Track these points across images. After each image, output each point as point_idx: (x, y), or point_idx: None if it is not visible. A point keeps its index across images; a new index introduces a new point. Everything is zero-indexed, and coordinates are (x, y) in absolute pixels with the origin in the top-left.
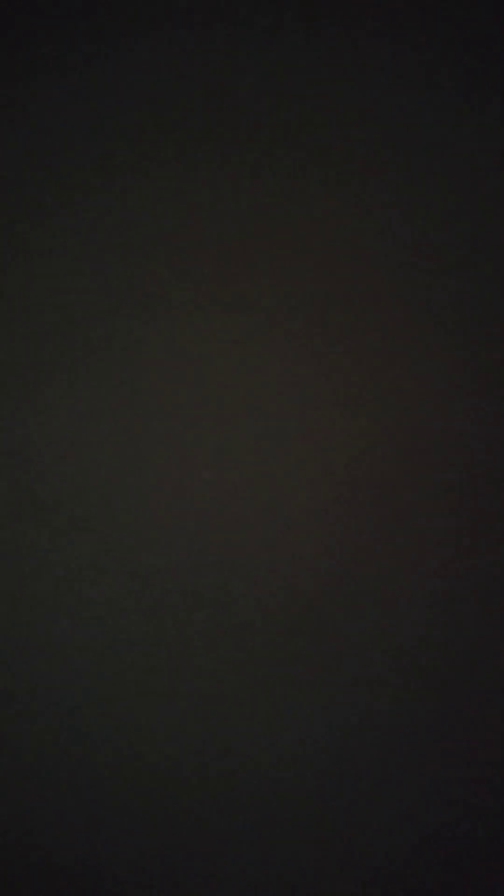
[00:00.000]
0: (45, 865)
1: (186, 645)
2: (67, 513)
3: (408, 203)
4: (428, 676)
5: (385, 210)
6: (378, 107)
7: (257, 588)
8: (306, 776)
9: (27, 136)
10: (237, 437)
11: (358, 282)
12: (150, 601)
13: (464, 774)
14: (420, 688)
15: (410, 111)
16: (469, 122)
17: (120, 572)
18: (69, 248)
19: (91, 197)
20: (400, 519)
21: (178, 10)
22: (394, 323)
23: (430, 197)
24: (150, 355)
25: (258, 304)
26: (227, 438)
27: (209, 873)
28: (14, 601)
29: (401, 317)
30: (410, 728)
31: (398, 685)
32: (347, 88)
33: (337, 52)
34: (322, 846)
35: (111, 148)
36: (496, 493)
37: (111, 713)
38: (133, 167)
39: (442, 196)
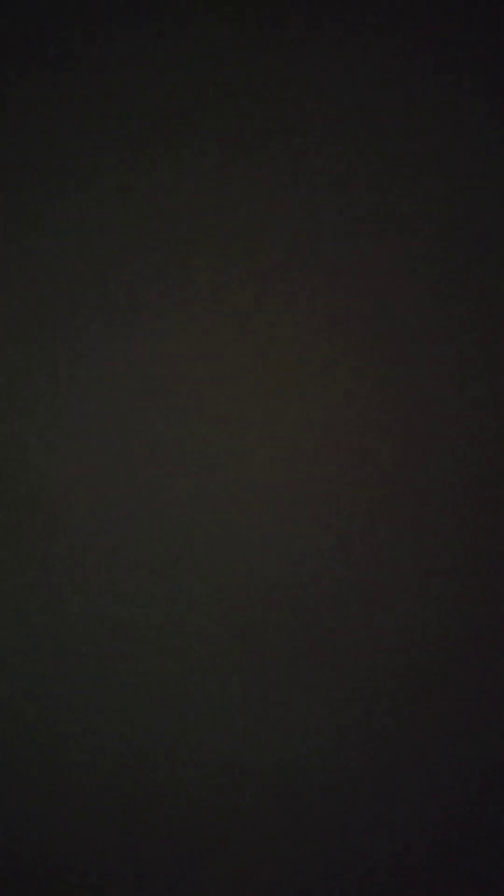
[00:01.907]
0: (44, 865)
1: (186, 644)
2: (67, 512)
3: (409, 205)
4: (429, 674)
5: (386, 213)
6: (381, 109)
7: (257, 588)
8: (307, 775)
9: (28, 139)
10: (237, 439)
11: (359, 283)
12: (151, 600)
13: (465, 772)
14: (421, 685)
15: (414, 114)
16: (471, 127)
17: (120, 571)
18: (69, 253)
19: (91, 199)
20: (402, 517)
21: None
22: (394, 324)
23: (431, 199)
24: (151, 356)
25: (258, 307)
26: (227, 440)
27: (209, 872)
28: (14, 600)
29: (402, 318)
30: (412, 725)
31: (400, 683)
32: (351, 92)
33: (342, 57)
34: (323, 845)
35: (112, 149)
36: (496, 492)
37: (111, 713)
38: (133, 168)
39: (444, 199)
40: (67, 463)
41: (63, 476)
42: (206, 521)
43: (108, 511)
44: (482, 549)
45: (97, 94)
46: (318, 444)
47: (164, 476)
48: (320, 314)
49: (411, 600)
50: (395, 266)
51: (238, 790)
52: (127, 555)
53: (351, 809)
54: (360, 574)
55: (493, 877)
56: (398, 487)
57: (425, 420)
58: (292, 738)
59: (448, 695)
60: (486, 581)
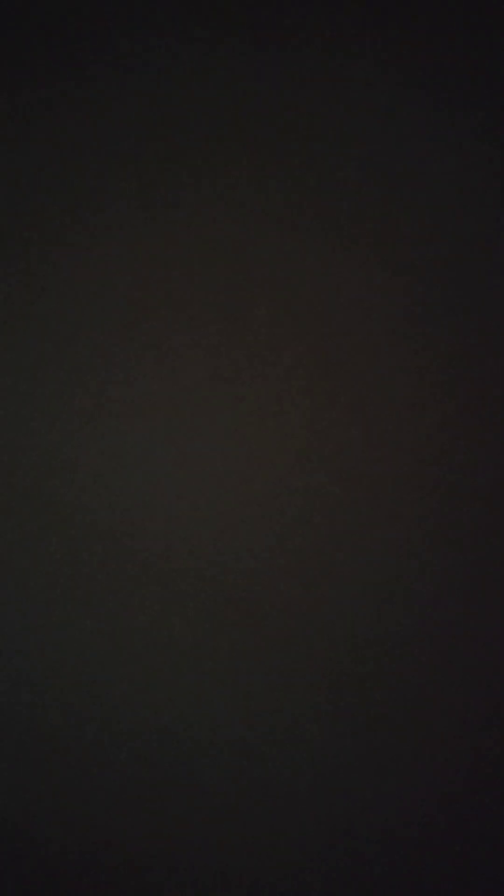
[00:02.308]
0: (44, 862)
1: (186, 644)
2: (67, 510)
3: (406, 212)
4: (428, 673)
5: (384, 223)
6: (381, 118)
7: (258, 588)
8: (306, 773)
9: (30, 148)
10: (237, 442)
11: (357, 292)
12: (151, 600)
13: (464, 771)
14: (419, 684)
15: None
16: (471, 135)
17: (120, 571)
18: (73, 265)
19: (94, 212)
20: (399, 519)
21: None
22: (392, 334)
23: (429, 213)
24: (152, 365)
25: (258, 316)
26: (227, 443)
27: (208, 871)
28: (14, 600)
29: (399, 328)
30: (410, 724)
31: (399, 683)
32: (350, 102)
33: (343, 70)
34: (322, 842)
35: (115, 160)
36: (496, 493)
37: (111, 713)
38: (135, 180)
39: (440, 208)
40: (68, 468)
41: (64, 482)
42: (207, 523)
43: (107, 511)
44: (483, 551)
45: (102, 106)
46: (317, 449)
47: (164, 482)
48: (318, 325)
49: (411, 598)
50: (392, 276)
51: (237, 789)
52: (127, 555)
53: (350, 803)
54: (360, 573)
55: (491, 868)
56: (397, 493)
57: (424, 428)
58: (293, 736)
59: (447, 688)
60: (486, 581)
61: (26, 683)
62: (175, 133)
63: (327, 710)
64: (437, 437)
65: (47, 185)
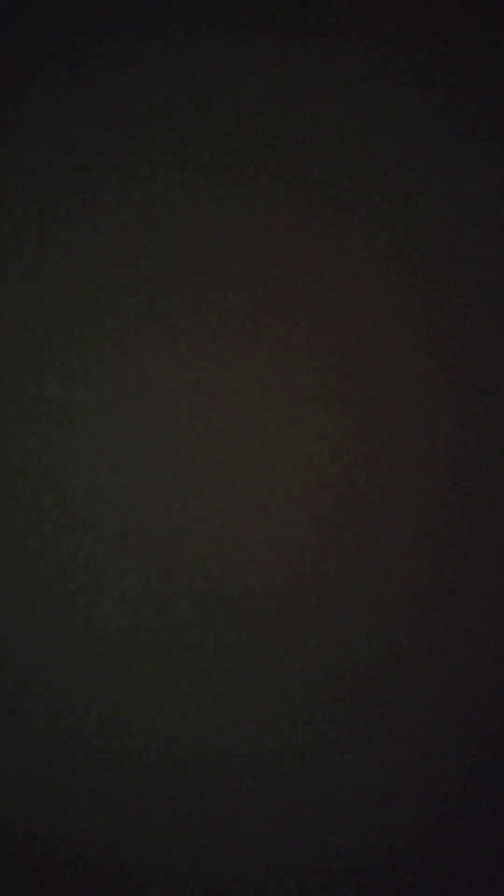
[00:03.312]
0: (42, 864)
1: (186, 644)
2: (66, 510)
3: (408, 205)
4: (427, 672)
5: (386, 214)
6: (381, 113)
7: (258, 588)
8: (305, 774)
9: (28, 141)
10: (237, 439)
11: (358, 284)
12: (151, 601)
13: (464, 770)
14: (419, 683)
15: (412, 118)
16: (472, 132)
17: (118, 570)
18: (71, 255)
19: (93, 202)
20: (399, 516)
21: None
22: (392, 326)
23: (430, 198)
24: (152, 359)
25: (259, 309)
26: (227, 440)
27: (207, 872)
28: (14, 600)
29: (400, 320)
30: (411, 725)
31: (398, 683)
32: (350, 95)
33: (343, 62)
34: (320, 844)
35: (115, 150)
36: (496, 492)
37: (111, 712)
38: (135, 170)
39: (442, 200)
40: (68, 472)
41: (64, 485)
42: (208, 524)
43: (106, 509)
44: (483, 553)
45: (99, 96)
46: (318, 444)
47: (165, 482)
48: (320, 327)
49: (411, 597)
50: (395, 277)
51: (237, 790)
52: (126, 556)
53: (349, 806)
54: (360, 572)
55: (491, 869)
56: (398, 494)
57: (426, 429)
58: (293, 735)
59: (447, 691)
60: (487, 581)
61: (25, 685)
62: (173, 135)
63: (329, 717)
64: (442, 433)
65: (42, 174)
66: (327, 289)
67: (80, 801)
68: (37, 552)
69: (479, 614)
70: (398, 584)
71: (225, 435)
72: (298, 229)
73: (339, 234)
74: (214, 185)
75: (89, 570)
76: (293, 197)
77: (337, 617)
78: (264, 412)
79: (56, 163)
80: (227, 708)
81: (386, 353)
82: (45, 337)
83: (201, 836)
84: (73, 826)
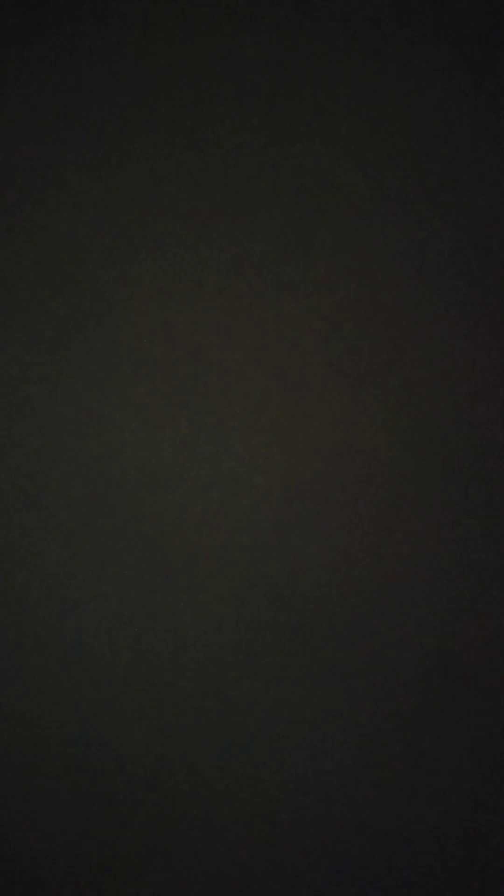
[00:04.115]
0: (43, 866)
1: (186, 644)
2: (66, 510)
3: (410, 200)
4: (432, 674)
5: (387, 208)
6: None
7: (258, 588)
8: (309, 777)
9: (28, 138)
10: (237, 435)
11: (359, 277)
12: (151, 600)
13: (467, 774)
14: (424, 685)
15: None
16: (473, 126)
17: (118, 570)
18: (66, 253)
19: (91, 195)
20: (403, 515)
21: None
22: (395, 320)
23: (432, 193)
24: (150, 354)
25: (259, 302)
26: (226, 437)
27: (207, 873)
28: (14, 601)
29: (402, 314)
30: (414, 727)
31: (402, 685)
32: (350, 86)
33: (343, 50)
34: (324, 848)
35: (113, 143)
36: (496, 491)
37: (110, 713)
38: (134, 164)
39: (444, 194)
40: (65, 467)
41: (60, 480)
42: (208, 523)
43: (107, 512)
44: (485, 551)
45: (98, 91)
46: (319, 440)
47: (163, 478)
48: (320, 318)
49: (415, 597)
50: (397, 270)
51: (237, 791)
52: (126, 555)
53: (354, 810)
54: (362, 572)
55: (492, 869)
56: (400, 490)
57: (427, 422)
58: (293, 735)
59: (450, 695)
60: (487, 580)
61: (23, 688)
62: (172, 130)
63: (331, 722)
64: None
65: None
66: (330, 283)
67: (79, 808)
68: (34, 556)
69: (488, 617)
70: (404, 589)
71: (224, 433)
72: (298, 224)
73: (340, 227)
74: (210, 166)
75: (89, 573)
76: (292, 189)
77: (338, 617)
78: (263, 415)
79: (53, 151)
80: (226, 710)
81: (386, 352)
82: (39, 334)
83: (201, 836)
84: (70, 841)
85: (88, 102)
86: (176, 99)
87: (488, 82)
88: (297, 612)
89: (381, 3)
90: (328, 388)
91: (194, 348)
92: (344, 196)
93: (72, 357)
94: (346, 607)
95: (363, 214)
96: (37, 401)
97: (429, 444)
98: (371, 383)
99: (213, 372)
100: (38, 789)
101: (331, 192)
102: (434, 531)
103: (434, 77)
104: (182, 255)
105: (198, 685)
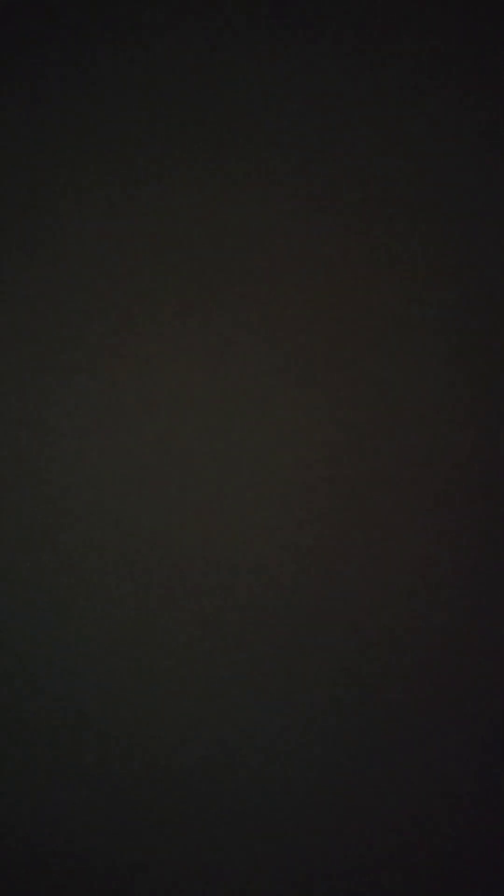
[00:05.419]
0: (43, 864)
1: (187, 645)
2: (65, 508)
3: (407, 205)
4: (427, 668)
5: (383, 215)
6: (380, 113)
7: (258, 588)
8: (306, 772)
9: (28, 141)
10: (235, 441)
11: (355, 285)
12: (151, 601)
13: (463, 766)
14: (419, 680)
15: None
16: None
17: (119, 570)
18: (70, 255)
19: (92, 204)
20: (398, 514)
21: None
22: (390, 328)
23: (429, 198)
24: (150, 361)
25: (255, 309)
26: (225, 441)
27: (207, 871)
28: (13, 605)
29: (397, 321)
30: (411, 721)
31: (398, 679)
32: (348, 95)
33: (342, 61)
34: (321, 841)
35: (114, 150)
36: (496, 490)
37: (110, 714)
38: (134, 172)
39: (441, 200)
40: (64, 463)
41: (63, 482)
42: (206, 521)
43: (106, 511)
44: (483, 549)
45: (100, 96)
46: (315, 443)
47: (164, 478)
48: (317, 316)
49: (411, 593)
50: (397, 271)
51: (237, 790)
52: (126, 554)
53: (351, 804)
54: (359, 571)
55: (491, 870)
56: (397, 488)
57: (425, 423)
58: (293, 734)
59: (446, 689)
60: (486, 580)
61: (22, 691)
62: (172, 132)
63: (332, 724)
64: (442, 429)
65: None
66: (327, 290)
67: (81, 814)
68: (33, 563)
69: (486, 616)
70: (404, 589)
71: (223, 444)
72: (296, 225)
73: (338, 228)
74: (209, 176)
75: (88, 578)
76: (290, 191)
77: (336, 627)
78: (263, 419)
79: (55, 159)
80: (229, 715)
81: (385, 352)
82: (39, 344)
83: (202, 838)
84: (68, 839)
85: (90, 109)
86: (175, 110)
87: (489, 81)
88: (298, 612)
89: (381, 3)
90: (328, 393)
91: (194, 353)
92: (344, 197)
93: (73, 365)
94: (347, 607)
95: (363, 214)
96: (37, 408)
97: (429, 444)
98: (372, 386)
99: (214, 378)
100: (39, 789)
101: (331, 193)
102: (435, 532)
103: (434, 76)
104: (183, 259)
105: (198, 685)
